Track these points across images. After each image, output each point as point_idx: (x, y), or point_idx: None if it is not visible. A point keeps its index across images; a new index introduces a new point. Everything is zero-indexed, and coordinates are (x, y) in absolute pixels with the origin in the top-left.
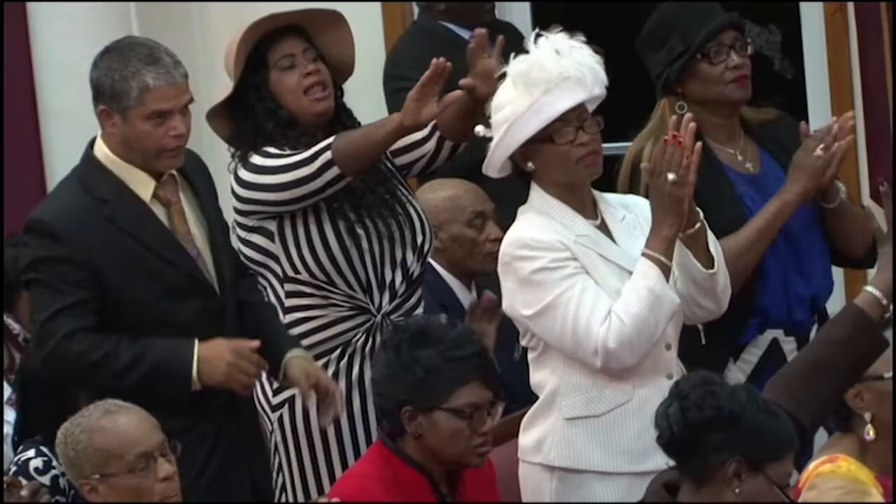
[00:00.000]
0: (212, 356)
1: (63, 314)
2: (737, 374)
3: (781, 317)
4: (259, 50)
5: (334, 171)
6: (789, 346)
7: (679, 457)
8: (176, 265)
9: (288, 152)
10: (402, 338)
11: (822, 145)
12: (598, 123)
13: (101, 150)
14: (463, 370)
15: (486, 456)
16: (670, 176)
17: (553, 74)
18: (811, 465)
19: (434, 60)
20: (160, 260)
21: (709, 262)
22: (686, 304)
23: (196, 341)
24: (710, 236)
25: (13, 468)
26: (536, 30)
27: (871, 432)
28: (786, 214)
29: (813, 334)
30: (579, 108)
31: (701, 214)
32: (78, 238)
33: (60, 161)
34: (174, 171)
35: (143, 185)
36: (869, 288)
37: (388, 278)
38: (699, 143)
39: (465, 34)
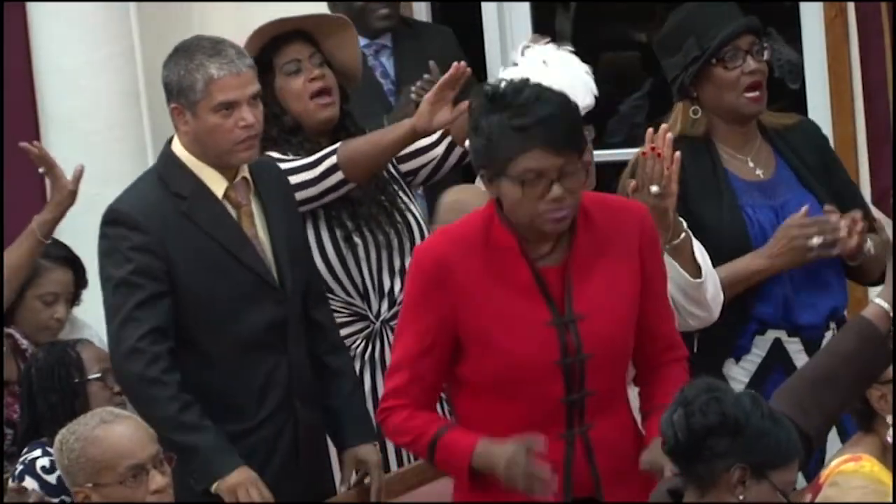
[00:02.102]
0: (236, 484)
1: (140, 311)
2: (739, 374)
3: (778, 320)
4: (265, 55)
5: (337, 177)
6: (794, 346)
7: (683, 463)
8: (249, 268)
9: (290, 157)
10: (480, 102)
11: (818, 237)
12: (590, 132)
13: (178, 148)
14: (522, 138)
15: (563, 222)
16: (653, 188)
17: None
18: (834, 462)
19: (455, 63)
20: (234, 261)
21: (696, 271)
22: (678, 313)
23: (241, 465)
24: (697, 245)
25: (20, 467)
26: (525, 42)
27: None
28: (759, 278)
29: (826, 340)
30: None
31: (684, 224)
32: (156, 228)
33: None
34: (246, 175)
35: (215, 185)
36: (877, 300)
37: (386, 286)
38: (678, 153)
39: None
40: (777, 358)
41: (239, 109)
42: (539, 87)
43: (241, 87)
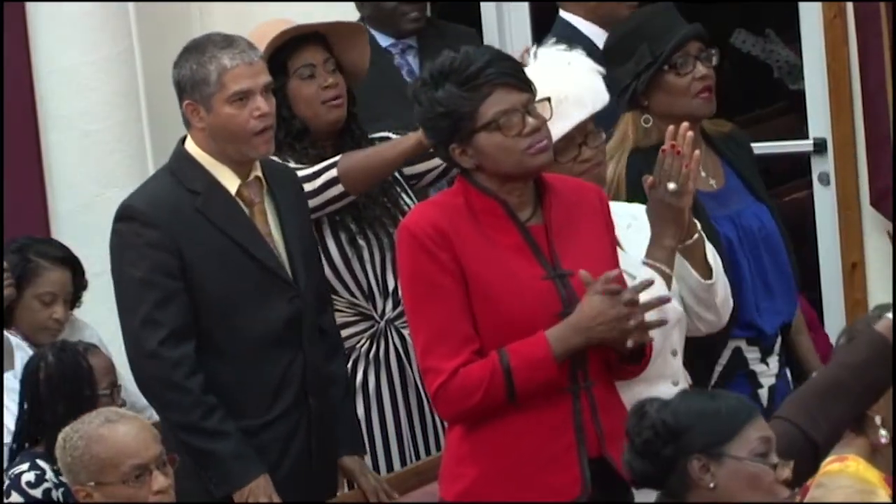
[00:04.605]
0: (249, 489)
1: (158, 312)
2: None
3: (745, 329)
4: (278, 57)
5: (338, 189)
6: (752, 354)
7: (659, 487)
8: (261, 264)
9: (293, 165)
10: (420, 86)
11: (672, 183)
12: (602, 136)
13: (192, 147)
14: (477, 87)
15: (547, 152)
16: (671, 185)
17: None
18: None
19: None
20: (246, 257)
21: (707, 273)
22: (688, 317)
23: (263, 475)
24: (709, 247)
25: (7, 482)
26: (534, 46)
27: (886, 435)
28: None
29: (777, 346)
30: (580, 125)
31: (698, 225)
32: (168, 224)
33: (60, 166)
34: (259, 174)
35: (229, 182)
36: (890, 315)
37: (390, 286)
38: (697, 152)
39: (384, 42)
40: (737, 366)
41: (253, 99)
42: (465, 48)
43: (254, 77)
